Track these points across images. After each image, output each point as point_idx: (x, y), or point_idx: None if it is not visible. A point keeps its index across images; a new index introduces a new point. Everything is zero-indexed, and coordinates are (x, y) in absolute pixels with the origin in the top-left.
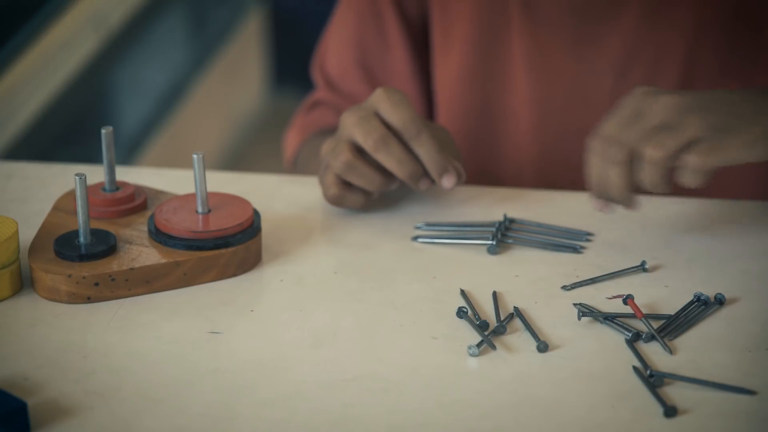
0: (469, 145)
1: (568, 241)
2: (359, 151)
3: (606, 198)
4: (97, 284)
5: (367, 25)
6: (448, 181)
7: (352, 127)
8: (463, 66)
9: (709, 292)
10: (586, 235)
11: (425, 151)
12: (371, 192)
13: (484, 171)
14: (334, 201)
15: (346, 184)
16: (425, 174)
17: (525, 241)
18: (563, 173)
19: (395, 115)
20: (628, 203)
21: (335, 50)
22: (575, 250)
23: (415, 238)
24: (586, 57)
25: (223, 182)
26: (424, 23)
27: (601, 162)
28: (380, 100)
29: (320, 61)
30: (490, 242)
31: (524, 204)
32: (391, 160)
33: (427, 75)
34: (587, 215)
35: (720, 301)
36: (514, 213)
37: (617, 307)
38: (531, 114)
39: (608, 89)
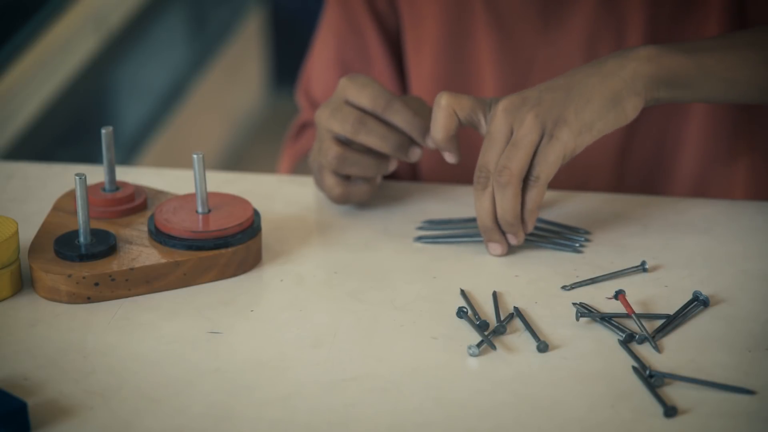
0: None
1: (569, 237)
2: (344, 141)
3: (491, 232)
4: (97, 284)
5: (347, 43)
6: (432, 141)
7: (328, 120)
8: (436, 68)
9: (709, 292)
10: (585, 234)
11: (401, 118)
12: (372, 178)
13: (468, 171)
14: (341, 199)
15: (346, 179)
16: (412, 143)
17: (526, 238)
18: None
19: (363, 96)
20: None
21: (319, 73)
22: (575, 249)
23: (418, 239)
24: (554, 41)
25: (223, 182)
26: (401, 35)
27: (480, 192)
28: (346, 88)
29: (305, 87)
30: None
31: None
32: (372, 137)
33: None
34: (585, 215)
35: (704, 303)
36: None
37: (616, 307)
38: None
39: None
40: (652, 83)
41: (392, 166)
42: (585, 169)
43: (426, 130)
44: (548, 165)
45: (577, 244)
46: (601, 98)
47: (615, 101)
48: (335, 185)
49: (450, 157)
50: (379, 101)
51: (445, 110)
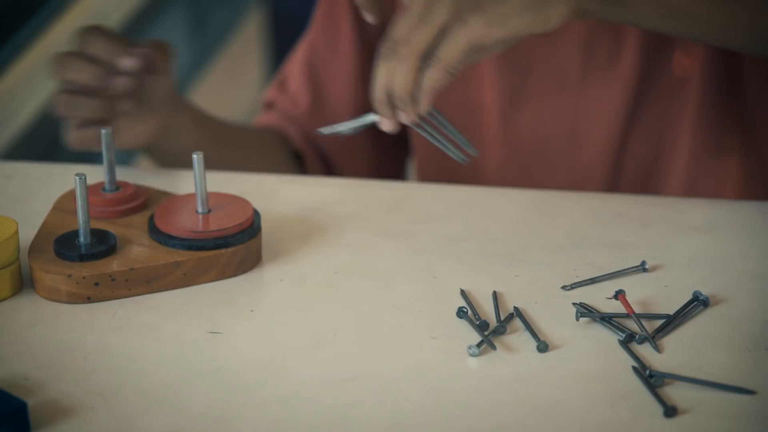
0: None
1: (461, 143)
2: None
3: (383, 106)
4: (97, 284)
5: (321, 28)
6: (128, 61)
7: (58, 74)
8: None
9: (709, 292)
10: (471, 148)
11: (98, 47)
12: (109, 119)
13: (468, 174)
14: (77, 143)
15: (83, 125)
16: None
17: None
18: (543, 161)
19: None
20: (408, 108)
21: (295, 55)
22: (460, 159)
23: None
24: (553, 41)
25: (223, 182)
26: (382, 33)
27: (381, 63)
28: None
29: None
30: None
31: (521, 203)
32: (75, 72)
33: None
34: (584, 215)
35: (704, 302)
36: (508, 213)
37: (616, 307)
38: (503, 106)
39: (578, 69)
40: None
41: (128, 106)
42: (582, 171)
43: (119, 52)
44: (450, 48)
45: (465, 156)
46: None
47: (539, 2)
48: (68, 131)
49: (369, 18)
50: (76, 41)
51: None
